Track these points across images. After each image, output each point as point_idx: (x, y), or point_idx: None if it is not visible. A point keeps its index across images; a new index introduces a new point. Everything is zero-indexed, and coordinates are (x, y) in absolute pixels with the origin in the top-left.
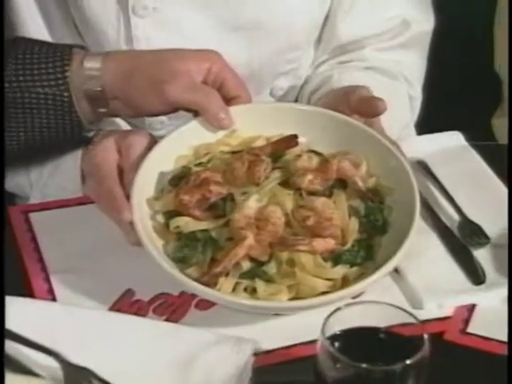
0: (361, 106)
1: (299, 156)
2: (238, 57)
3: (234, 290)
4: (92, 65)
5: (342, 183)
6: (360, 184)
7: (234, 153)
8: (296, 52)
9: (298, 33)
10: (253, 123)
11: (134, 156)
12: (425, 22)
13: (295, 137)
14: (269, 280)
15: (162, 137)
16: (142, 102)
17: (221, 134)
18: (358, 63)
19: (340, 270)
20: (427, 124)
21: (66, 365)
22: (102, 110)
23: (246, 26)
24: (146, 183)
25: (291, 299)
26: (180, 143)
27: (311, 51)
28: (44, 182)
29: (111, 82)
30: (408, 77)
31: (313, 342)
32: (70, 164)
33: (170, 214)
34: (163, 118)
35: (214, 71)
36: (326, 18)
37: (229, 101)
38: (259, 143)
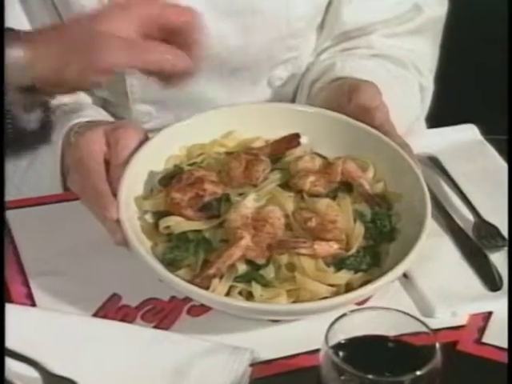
0: (358, 114)
1: (301, 157)
2: (233, 43)
3: (228, 294)
4: (16, 53)
5: (347, 187)
6: (366, 187)
7: (229, 154)
8: (296, 39)
9: (298, 19)
10: (251, 124)
11: (122, 151)
12: (438, 6)
13: (297, 136)
14: (266, 284)
15: (149, 130)
16: (76, 83)
17: (216, 134)
18: (365, 50)
19: (344, 276)
20: (439, 117)
21: (47, 375)
22: (37, 98)
23: (241, 11)
24: (134, 181)
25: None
26: (172, 142)
27: (313, 38)
28: (20, 176)
29: (42, 76)
30: (419, 65)
31: (315, 351)
32: (48, 157)
33: (160, 214)
34: (150, 109)
35: (149, 22)
36: (330, 2)
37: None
38: (257, 145)
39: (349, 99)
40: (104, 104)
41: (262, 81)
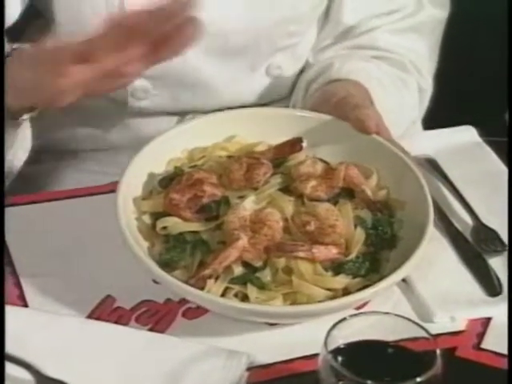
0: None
1: (302, 162)
2: (235, 23)
3: (223, 295)
4: None
5: (349, 193)
6: (368, 192)
7: (231, 157)
8: (298, 25)
9: (301, 2)
10: (255, 129)
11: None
12: (439, 8)
13: (300, 140)
14: (262, 287)
15: (147, 109)
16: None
17: (218, 138)
18: (367, 51)
19: (341, 280)
20: (436, 118)
21: (40, 378)
22: None
23: None
24: (134, 182)
25: None
26: (173, 145)
27: (314, 30)
28: None
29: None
30: (419, 67)
31: (314, 355)
32: None
33: (158, 215)
34: (147, 85)
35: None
36: None
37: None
38: (260, 149)
39: (336, 111)
40: None
41: (260, 68)
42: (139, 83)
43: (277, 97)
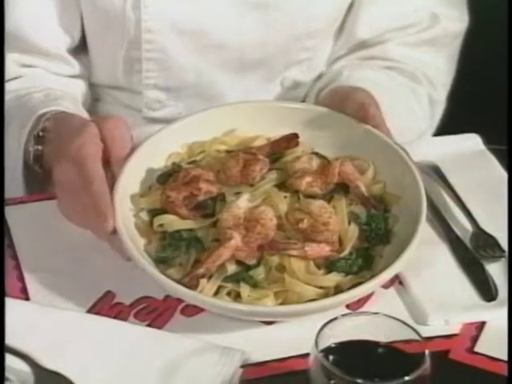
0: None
1: (298, 157)
2: (251, 38)
3: (216, 294)
4: None
5: (344, 188)
6: (362, 189)
7: (230, 152)
8: (313, 40)
9: (317, 18)
10: (254, 122)
11: (122, 143)
12: (456, 21)
13: (296, 136)
14: (255, 285)
15: (161, 119)
16: None
17: (218, 132)
18: (379, 62)
19: (333, 278)
20: (442, 126)
21: (38, 369)
22: None
23: (264, 6)
24: (132, 178)
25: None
26: (172, 140)
27: (329, 43)
28: None
29: None
30: (433, 79)
31: (306, 355)
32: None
33: (156, 212)
34: (162, 96)
35: None
36: (350, 6)
37: None
38: (259, 143)
39: (341, 106)
40: (114, 91)
41: (275, 80)
42: (154, 95)
43: None
